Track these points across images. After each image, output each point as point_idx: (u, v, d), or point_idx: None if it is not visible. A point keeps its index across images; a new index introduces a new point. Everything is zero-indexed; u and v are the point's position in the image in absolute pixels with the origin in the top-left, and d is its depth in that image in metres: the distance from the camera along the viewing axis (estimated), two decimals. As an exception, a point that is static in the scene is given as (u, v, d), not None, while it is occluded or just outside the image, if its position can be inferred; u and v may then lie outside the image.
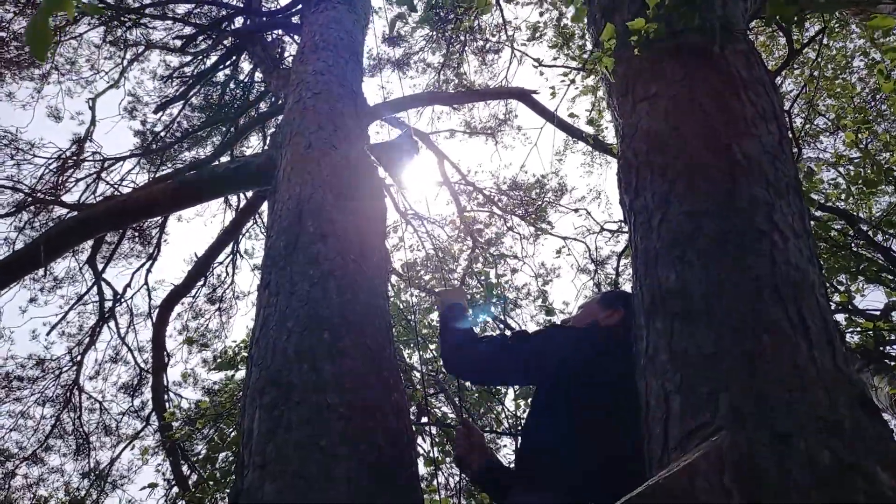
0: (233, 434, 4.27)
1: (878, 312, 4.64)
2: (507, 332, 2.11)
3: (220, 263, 9.44)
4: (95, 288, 8.28)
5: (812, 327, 1.15)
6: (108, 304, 8.42)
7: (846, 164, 5.57)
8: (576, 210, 7.01)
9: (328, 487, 1.79)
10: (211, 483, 3.64)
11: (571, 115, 6.09)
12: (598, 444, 1.53)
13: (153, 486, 4.43)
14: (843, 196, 4.50)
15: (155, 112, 8.39)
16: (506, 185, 8.72)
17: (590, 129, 5.60)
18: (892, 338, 4.27)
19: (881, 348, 4.06)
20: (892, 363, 4.19)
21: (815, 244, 1.38)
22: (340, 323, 2.28)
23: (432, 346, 5.45)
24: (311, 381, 2.07)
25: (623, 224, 6.79)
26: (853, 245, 4.06)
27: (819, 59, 5.73)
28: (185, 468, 7.38)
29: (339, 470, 1.84)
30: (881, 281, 3.97)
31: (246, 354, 5.64)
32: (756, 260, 1.23)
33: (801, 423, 1.00)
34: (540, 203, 8.09)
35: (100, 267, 8.18)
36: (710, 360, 1.12)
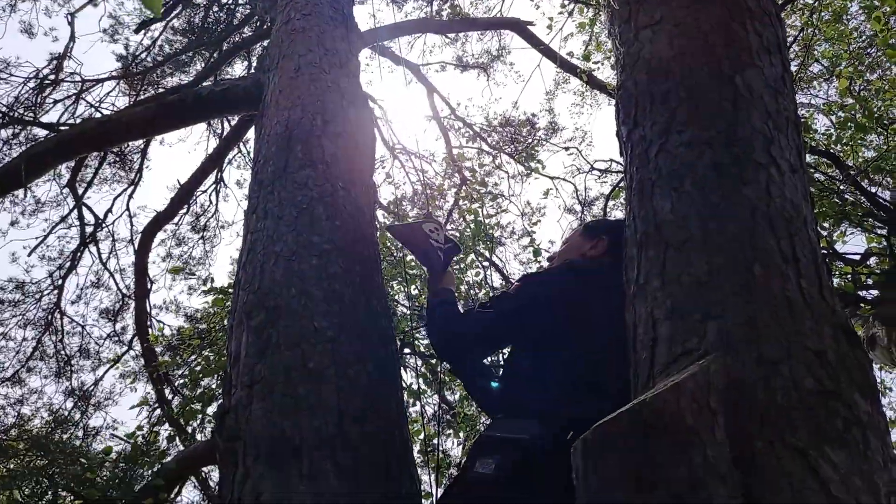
0: (216, 359, 4.31)
1: (857, 257, 4.72)
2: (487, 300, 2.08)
3: (204, 192, 9.31)
4: (76, 212, 8.17)
5: (802, 260, 1.16)
6: (90, 230, 8.32)
7: (838, 111, 5.56)
8: (566, 148, 6.95)
9: (317, 408, 1.82)
10: (196, 405, 3.69)
11: (569, 55, 5.93)
12: (584, 375, 1.57)
13: (143, 403, 4.50)
14: (833, 141, 4.50)
15: (136, 32, 8.09)
16: (496, 122, 8.61)
17: (584, 66, 5.50)
18: (869, 282, 4.37)
19: (858, 293, 4.16)
20: (868, 307, 4.30)
21: (809, 180, 1.39)
22: (330, 249, 2.27)
23: (418, 283, 5.48)
24: (300, 305, 2.07)
25: (612, 163, 6.77)
26: (840, 190, 4.09)
27: (816, 2, 5.63)
28: (167, 392, 7.49)
29: (328, 392, 1.87)
30: (864, 226, 4.03)
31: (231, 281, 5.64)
32: (753, 192, 1.23)
33: (787, 351, 1.03)
34: (531, 141, 8.01)
35: (80, 191, 8.05)
36: (703, 287, 1.13)
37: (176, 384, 7.52)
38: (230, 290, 5.59)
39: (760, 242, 1.17)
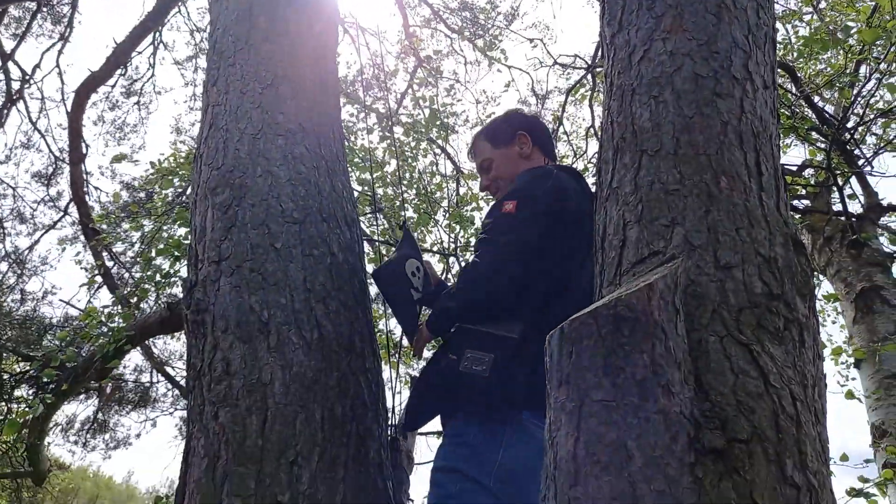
0: (171, 240, 4.26)
1: (794, 168, 4.96)
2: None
3: (140, 54, 8.75)
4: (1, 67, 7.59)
5: (765, 174, 1.25)
6: (17, 86, 7.78)
7: (795, 21, 5.60)
8: (531, 40, 6.80)
9: (284, 286, 1.88)
10: (149, 282, 3.70)
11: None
12: (562, 279, 1.66)
13: (90, 283, 4.45)
14: (789, 52, 4.58)
15: None
16: (456, 4, 8.27)
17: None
18: (803, 193, 4.62)
19: (791, 202, 4.40)
20: (799, 216, 4.58)
21: (777, 97, 1.45)
22: (295, 129, 2.24)
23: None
24: (266, 185, 2.07)
25: (576, 59, 6.70)
26: (791, 104, 4.21)
27: None
28: (107, 258, 7.38)
29: (295, 269, 1.92)
30: (809, 139, 4.20)
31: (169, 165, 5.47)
32: (727, 106, 1.29)
33: (742, 257, 1.13)
34: (490, 27, 7.78)
35: (6, 46, 7.44)
36: (672, 195, 1.20)
37: (114, 251, 7.40)
38: (178, 170, 5.45)
39: (728, 155, 1.24)
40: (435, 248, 5.33)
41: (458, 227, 5.23)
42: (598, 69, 5.55)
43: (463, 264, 1.92)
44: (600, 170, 1.42)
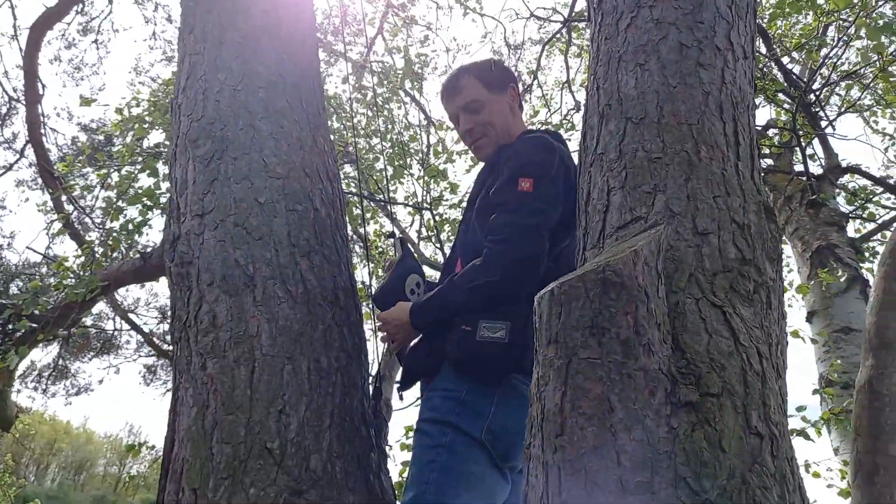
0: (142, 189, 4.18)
1: (759, 127, 5.06)
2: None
3: (99, -12, 8.38)
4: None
5: (742, 144, 1.31)
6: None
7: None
8: (505, -12, 6.69)
9: (270, 239, 1.90)
10: (120, 232, 3.65)
11: None
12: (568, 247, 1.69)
13: (60, 233, 4.37)
14: (762, 12, 4.62)
15: None
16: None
17: None
18: (766, 152, 4.74)
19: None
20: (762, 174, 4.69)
21: (755, 67, 1.51)
22: (277, 82, 2.22)
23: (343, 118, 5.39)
24: (248, 138, 2.07)
25: (554, 12, 6.63)
26: (762, 66, 4.29)
27: None
28: (66, 203, 7.21)
29: (280, 224, 1.94)
30: (776, 101, 4.29)
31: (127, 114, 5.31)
32: (709, 76, 1.34)
33: (718, 224, 1.20)
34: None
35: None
36: (654, 163, 1.26)
37: (74, 196, 7.22)
38: (146, 116, 5.30)
39: (709, 125, 1.30)
40: (410, 202, 5.36)
41: (430, 181, 5.24)
42: (575, 23, 5.53)
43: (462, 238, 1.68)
44: (585, 134, 1.46)
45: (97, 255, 3.95)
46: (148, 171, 4.16)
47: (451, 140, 6.42)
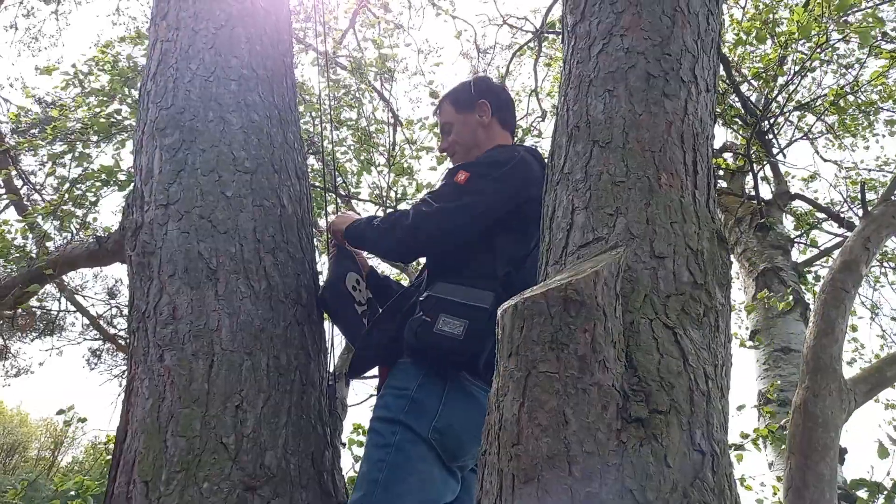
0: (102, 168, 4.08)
1: (715, 150, 5.23)
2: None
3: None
4: None
5: (699, 173, 1.38)
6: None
7: (731, 5, 5.82)
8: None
9: (235, 233, 1.90)
10: (74, 206, 3.56)
11: None
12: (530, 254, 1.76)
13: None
14: (723, 37, 4.79)
15: None
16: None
17: None
18: (720, 173, 4.91)
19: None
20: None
21: (716, 100, 1.58)
22: (250, 75, 2.22)
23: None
24: (218, 130, 2.06)
25: (525, 21, 6.72)
26: (722, 93, 4.45)
27: None
28: (19, 183, 6.98)
29: (246, 219, 1.94)
30: (732, 126, 4.45)
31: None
32: (673, 106, 1.41)
33: (674, 248, 1.26)
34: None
35: None
36: (618, 186, 1.32)
37: (21, 168, 6.99)
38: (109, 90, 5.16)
39: (670, 153, 1.36)
40: (373, 196, 5.36)
41: (392, 175, 5.26)
42: (546, 34, 5.62)
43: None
44: (553, 153, 1.51)
45: (44, 231, 3.84)
46: (106, 139, 4.01)
47: (421, 138, 6.45)
